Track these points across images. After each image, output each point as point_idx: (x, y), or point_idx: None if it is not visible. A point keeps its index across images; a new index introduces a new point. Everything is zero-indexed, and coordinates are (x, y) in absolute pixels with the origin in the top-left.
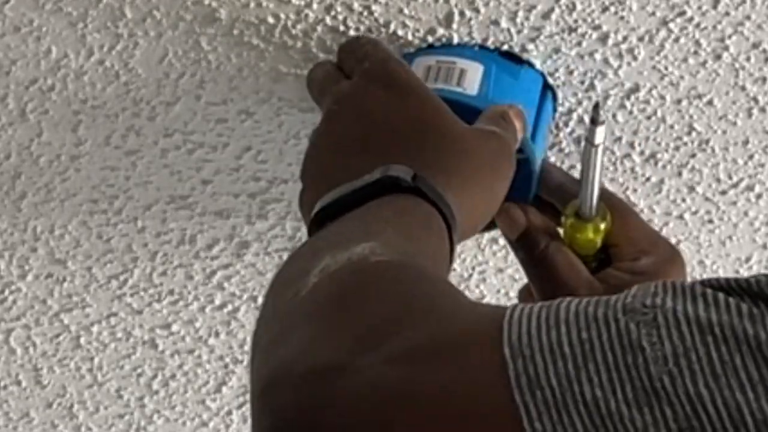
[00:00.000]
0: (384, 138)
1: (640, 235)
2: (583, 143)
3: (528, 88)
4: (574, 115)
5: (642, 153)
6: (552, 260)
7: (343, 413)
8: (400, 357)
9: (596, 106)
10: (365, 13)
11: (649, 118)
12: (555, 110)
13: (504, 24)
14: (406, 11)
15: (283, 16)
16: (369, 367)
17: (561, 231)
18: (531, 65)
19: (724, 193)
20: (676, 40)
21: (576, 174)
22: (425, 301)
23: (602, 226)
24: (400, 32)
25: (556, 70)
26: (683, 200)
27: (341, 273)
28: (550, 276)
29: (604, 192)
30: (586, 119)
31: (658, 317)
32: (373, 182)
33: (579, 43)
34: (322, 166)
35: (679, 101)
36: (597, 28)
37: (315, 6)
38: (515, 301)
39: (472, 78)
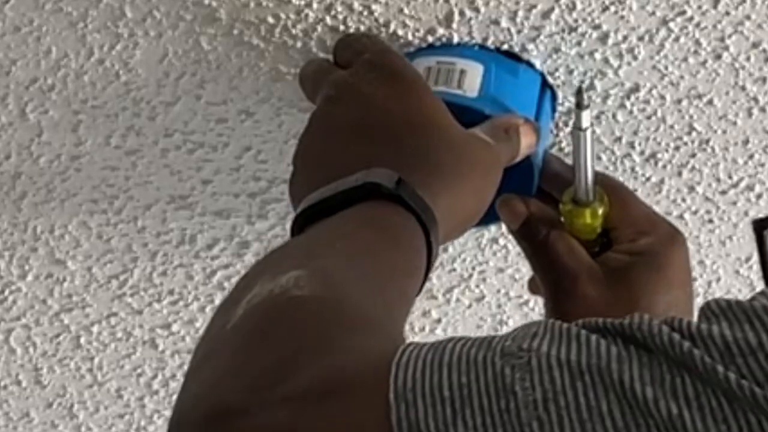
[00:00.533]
0: (379, 130)
1: (638, 216)
2: (570, 129)
3: (528, 87)
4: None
5: (642, 153)
6: (552, 247)
7: None
8: (291, 399)
9: (579, 91)
10: (365, 13)
11: (649, 118)
12: (555, 110)
13: (504, 23)
14: (406, 11)
15: (283, 16)
16: (261, 410)
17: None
18: (530, 65)
19: (724, 193)
20: (676, 39)
21: None
22: (324, 341)
23: (600, 210)
24: (400, 32)
25: (556, 69)
26: (683, 200)
27: (258, 308)
28: (552, 263)
29: (600, 176)
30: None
31: (531, 361)
32: (356, 187)
33: (579, 43)
34: (316, 151)
35: (679, 101)
36: (597, 27)
37: (315, 6)
38: (515, 301)
39: (472, 79)
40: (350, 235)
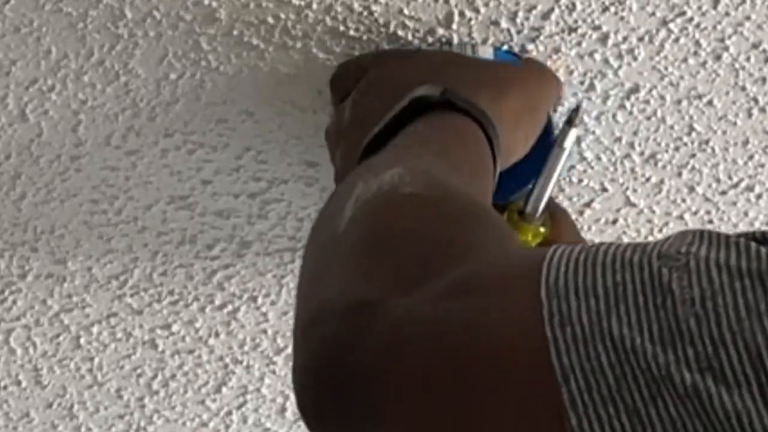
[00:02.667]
0: (411, 82)
1: (568, 240)
2: (555, 145)
3: None
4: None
5: (642, 153)
6: None
7: (374, 347)
8: (437, 294)
9: (577, 109)
10: (365, 13)
11: (649, 118)
12: (554, 111)
13: (504, 24)
14: (406, 11)
15: (283, 16)
16: (404, 304)
17: None
18: None
19: (724, 193)
20: (676, 40)
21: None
22: (466, 239)
23: (542, 231)
24: (400, 32)
25: (557, 70)
26: (683, 200)
27: (372, 205)
28: None
29: (550, 199)
30: (587, 119)
31: (690, 263)
32: (404, 107)
33: (579, 43)
34: (358, 130)
35: (679, 101)
36: (597, 28)
37: (315, 6)
38: None
39: (485, 49)
40: (423, 140)
